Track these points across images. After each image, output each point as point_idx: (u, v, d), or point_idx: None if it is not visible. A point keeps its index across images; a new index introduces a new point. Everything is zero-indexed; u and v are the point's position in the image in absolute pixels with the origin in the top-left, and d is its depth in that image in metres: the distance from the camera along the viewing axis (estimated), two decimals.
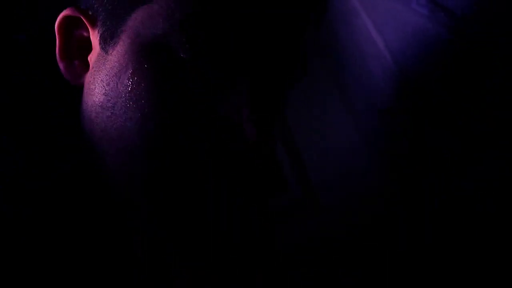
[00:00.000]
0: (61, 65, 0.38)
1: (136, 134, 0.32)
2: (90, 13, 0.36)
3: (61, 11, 0.40)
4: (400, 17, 0.63)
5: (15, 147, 0.53)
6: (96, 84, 0.35)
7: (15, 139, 0.53)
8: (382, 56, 0.68)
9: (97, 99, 0.35)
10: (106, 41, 0.35)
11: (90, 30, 0.37)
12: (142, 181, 0.33)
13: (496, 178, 0.58)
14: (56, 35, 0.38)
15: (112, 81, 0.34)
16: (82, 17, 0.36)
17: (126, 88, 0.33)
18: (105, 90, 0.34)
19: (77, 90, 0.45)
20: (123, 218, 0.38)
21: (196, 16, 0.31)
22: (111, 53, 0.34)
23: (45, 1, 0.65)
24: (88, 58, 0.38)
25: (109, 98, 0.34)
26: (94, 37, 0.37)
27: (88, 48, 0.38)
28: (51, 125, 0.57)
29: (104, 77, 0.35)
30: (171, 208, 0.33)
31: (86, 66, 0.38)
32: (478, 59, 0.54)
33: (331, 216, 0.86)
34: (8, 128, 0.55)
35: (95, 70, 0.36)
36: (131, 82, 0.32)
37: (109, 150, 0.34)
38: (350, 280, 0.85)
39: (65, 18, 0.37)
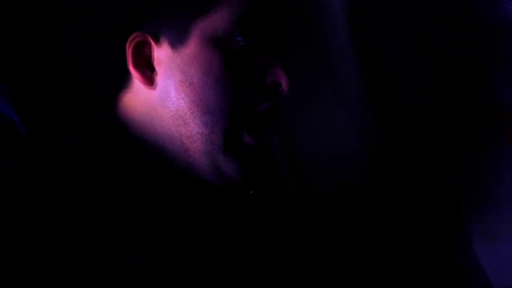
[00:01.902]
0: (136, 74, 0.52)
1: (212, 91, 0.49)
2: (152, 34, 0.52)
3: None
4: None
5: (15, 147, 0.53)
6: (175, 71, 0.51)
7: (15, 139, 0.54)
8: None
9: (177, 79, 0.50)
10: (176, 45, 0.51)
11: (154, 46, 0.52)
12: (219, 119, 0.50)
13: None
14: (128, 52, 0.52)
15: (189, 63, 0.50)
16: (149, 37, 0.52)
17: (201, 65, 0.49)
18: (183, 71, 0.50)
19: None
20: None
21: (243, 16, 0.50)
22: (183, 50, 0.51)
23: (45, 1, 0.65)
24: (154, 65, 0.52)
25: (187, 75, 0.50)
26: (159, 48, 0.52)
27: (149, 59, 0.53)
28: (51, 125, 0.57)
29: (180, 63, 0.50)
30: (230, 134, 0.50)
31: (151, 71, 0.52)
32: None
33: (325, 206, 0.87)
34: (8, 128, 0.55)
35: (170, 66, 0.51)
36: (205, 60, 0.49)
37: (194, 101, 0.49)
38: (350, 280, 0.85)
39: (136, 39, 0.52)
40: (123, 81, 0.56)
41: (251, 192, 0.54)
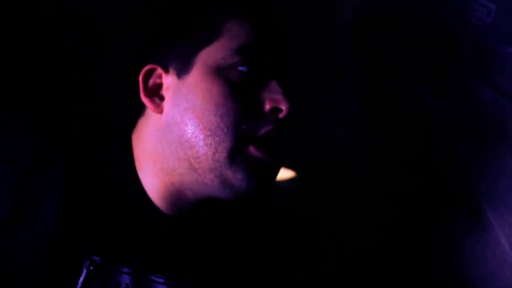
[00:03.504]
0: (146, 101, 0.56)
1: (213, 116, 0.52)
2: (162, 64, 0.57)
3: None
4: None
5: (16, 147, 0.53)
6: (180, 98, 0.54)
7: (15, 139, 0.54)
8: None
9: (182, 106, 0.54)
10: (181, 74, 0.55)
11: (163, 75, 0.57)
12: (219, 137, 0.52)
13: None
14: (140, 82, 0.56)
15: (192, 91, 0.54)
16: (159, 68, 0.57)
17: (203, 92, 0.53)
18: (187, 98, 0.54)
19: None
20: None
21: (243, 46, 0.54)
22: (187, 79, 0.55)
23: (45, 1, 0.65)
24: (163, 93, 0.56)
25: (190, 102, 0.53)
26: (168, 77, 0.56)
27: (160, 87, 0.57)
28: (51, 125, 0.57)
29: (185, 91, 0.54)
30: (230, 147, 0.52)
31: (161, 99, 0.56)
32: None
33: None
34: (8, 127, 0.55)
35: (175, 94, 0.55)
36: (206, 88, 0.53)
37: (197, 126, 0.53)
38: (350, 280, 0.85)
39: (147, 70, 0.57)
40: (140, 107, 0.60)
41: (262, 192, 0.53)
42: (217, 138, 0.52)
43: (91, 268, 0.48)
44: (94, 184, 0.53)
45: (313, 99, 0.88)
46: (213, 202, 0.55)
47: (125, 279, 0.50)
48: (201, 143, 0.52)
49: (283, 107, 0.53)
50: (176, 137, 0.54)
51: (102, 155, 0.56)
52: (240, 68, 0.54)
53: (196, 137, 0.52)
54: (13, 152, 0.51)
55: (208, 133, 0.52)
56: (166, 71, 0.56)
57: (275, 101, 0.54)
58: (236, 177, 0.52)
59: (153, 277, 0.51)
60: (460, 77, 0.63)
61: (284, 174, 0.95)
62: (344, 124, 0.90)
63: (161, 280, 0.51)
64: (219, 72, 0.54)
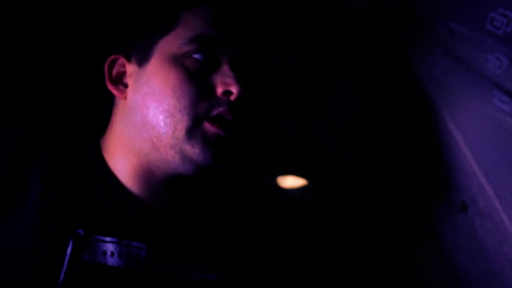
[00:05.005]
0: (111, 88, 0.62)
1: (170, 98, 0.57)
2: (125, 54, 0.62)
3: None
4: (480, 113, 0.63)
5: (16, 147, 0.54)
6: (142, 84, 0.59)
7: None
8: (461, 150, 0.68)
9: (143, 91, 0.59)
10: (142, 62, 0.60)
11: (126, 64, 0.62)
12: (176, 117, 0.57)
13: None
14: (105, 71, 0.62)
15: (151, 78, 0.59)
16: (121, 57, 0.62)
17: (161, 78, 0.58)
18: (148, 84, 0.59)
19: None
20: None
21: (196, 36, 0.58)
22: (147, 67, 0.60)
23: (45, 2, 0.66)
24: (126, 81, 0.62)
25: (150, 87, 0.58)
26: (130, 66, 0.62)
27: (123, 75, 0.62)
28: (51, 124, 0.58)
29: (145, 78, 0.59)
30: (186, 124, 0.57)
31: (125, 86, 0.62)
32: None
33: None
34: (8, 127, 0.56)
35: (137, 81, 0.60)
36: (163, 74, 0.58)
37: (157, 108, 0.57)
38: (354, 278, 0.85)
39: (111, 60, 0.62)
40: (113, 98, 0.65)
41: (222, 167, 0.58)
42: (175, 118, 0.56)
43: (77, 239, 0.52)
44: (71, 171, 0.57)
45: (316, 95, 0.88)
46: (182, 180, 0.60)
47: (110, 247, 0.53)
48: (161, 124, 0.57)
49: (234, 90, 0.57)
50: (139, 119, 0.59)
51: (81, 143, 0.61)
52: (194, 55, 0.58)
53: (156, 118, 0.57)
54: None
55: (167, 114, 0.56)
56: (129, 60, 0.62)
57: (226, 84, 0.58)
58: (193, 151, 0.56)
59: (136, 244, 0.55)
60: (479, 86, 0.62)
61: (293, 181, 0.96)
62: (348, 122, 0.89)
63: (144, 246, 0.55)
64: (176, 60, 0.58)
